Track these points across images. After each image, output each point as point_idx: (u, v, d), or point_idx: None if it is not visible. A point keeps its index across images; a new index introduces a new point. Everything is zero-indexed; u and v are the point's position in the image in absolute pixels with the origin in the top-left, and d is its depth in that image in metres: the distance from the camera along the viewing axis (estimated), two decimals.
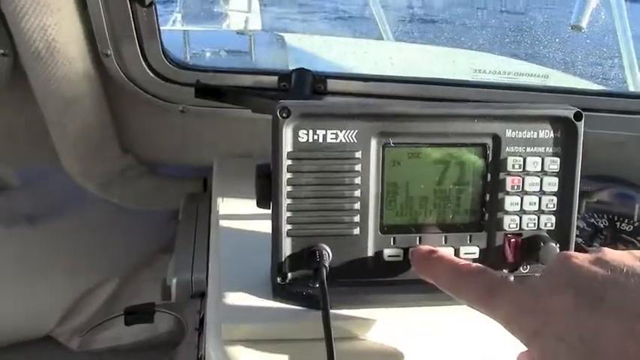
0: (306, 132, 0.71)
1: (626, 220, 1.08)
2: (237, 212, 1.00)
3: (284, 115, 0.69)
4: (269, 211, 0.73)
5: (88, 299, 1.53)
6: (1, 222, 1.53)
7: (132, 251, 1.58)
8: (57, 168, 1.30)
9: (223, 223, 0.98)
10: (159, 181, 1.44)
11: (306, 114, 0.70)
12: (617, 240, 1.05)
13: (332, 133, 0.71)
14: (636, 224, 1.07)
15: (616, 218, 1.08)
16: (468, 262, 0.67)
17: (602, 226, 1.07)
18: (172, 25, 3.60)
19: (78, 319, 1.53)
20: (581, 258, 0.56)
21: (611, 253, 0.56)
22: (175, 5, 3.80)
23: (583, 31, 1.89)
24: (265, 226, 0.74)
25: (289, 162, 0.71)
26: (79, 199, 1.53)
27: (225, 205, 1.04)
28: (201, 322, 0.93)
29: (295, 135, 0.70)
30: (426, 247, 0.73)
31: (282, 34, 2.26)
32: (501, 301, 0.59)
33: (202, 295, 0.97)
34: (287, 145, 0.70)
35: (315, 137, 0.71)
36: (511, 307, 0.58)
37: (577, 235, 1.03)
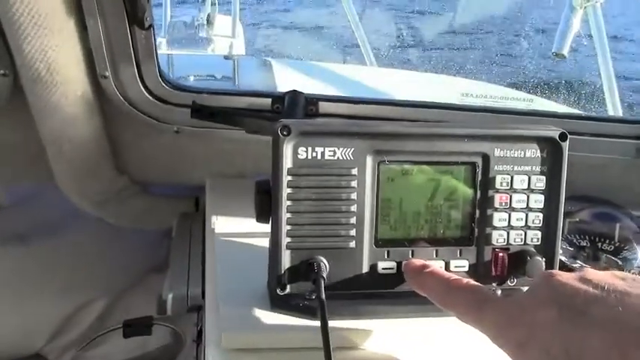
0: (305, 149, 0.74)
1: (607, 241, 1.11)
2: (231, 229, 1.02)
3: (284, 133, 0.72)
4: (262, 228, 0.76)
5: (80, 317, 1.54)
6: None
7: (124, 269, 1.58)
8: (50, 186, 1.31)
9: (218, 239, 1.00)
10: (152, 200, 1.46)
11: (306, 132, 0.74)
12: (598, 259, 1.08)
13: (330, 151, 0.74)
14: (617, 244, 1.10)
15: (597, 239, 1.11)
16: (458, 277, 0.70)
17: (583, 245, 1.10)
18: (158, 49, 3.62)
19: (69, 337, 1.53)
20: (565, 276, 0.59)
21: (593, 273, 0.58)
22: (160, 30, 3.83)
23: (565, 58, 1.94)
24: (259, 242, 0.77)
25: (289, 178, 0.74)
26: (72, 218, 1.53)
27: (220, 223, 1.07)
28: (199, 334, 0.95)
29: (295, 152, 0.74)
30: (418, 262, 0.76)
31: (269, 59, 2.29)
32: (489, 314, 0.62)
33: (199, 309, 0.99)
34: (287, 162, 0.73)
35: (314, 154, 0.74)
36: (498, 320, 0.60)
37: (560, 254, 1.06)
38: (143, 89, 1.16)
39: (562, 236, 1.10)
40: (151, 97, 1.17)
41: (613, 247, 1.10)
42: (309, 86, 1.97)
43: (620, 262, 1.06)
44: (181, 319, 1.01)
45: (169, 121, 1.20)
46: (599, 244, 1.11)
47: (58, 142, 1.19)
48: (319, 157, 0.74)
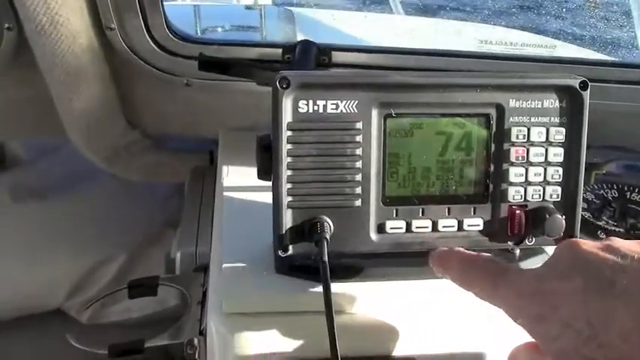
0: (306, 102, 0.70)
1: (636, 190, 1.06)
2: (242, 184, 1.00)
3: (284, 85, 0.69)
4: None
5: (98, 273, 1.55)
6: (10, 197, 1.54)
7: (141, 226, 1.59)
8: (64, 144, 1.30)
9: (227, 195, 0.98)
10: (165, 154, 1.45)
11: (306, 84, 0.70)
12: (627, 212, 1.03)
13: (332, 104, 0.70)
14: None
15: (626, 188, 1.07)
16: (476, 253, 0.67)
17: (611, 197, 1.05)
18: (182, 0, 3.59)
19: (87, 293, 1.55)
20: (589, 245, 0.56)
21: (620, 242, 0.55)
22: None
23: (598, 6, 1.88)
24: (269, 199, 0.74)
25: (289, 133, 0.70)
26: (87, 175, 1.54)
27: (230, 178, 1.04)
28: (204, 295, 0.93)
29: (295, 105, 0.70)
30: (443, 248, 0.72)
31: (290, 8, 2.24)
32: (504, 286, 0.59)
33: (206, 269, 0.97)
34: (287, 116, 0.70)
35: (315, 108, 0.70)
36: (514, 292, 0.57)
37: (585, 209, 1.02)
38: (150, 41, 1.14)
39: (588, 189, 1.06)
40: (158, 49, 1.15)
41: None
42: (332, 36, 1.92)
43: None
44: (188, 278, 0.98)
45: (179, 73, 1.18)
46: (628, 194, 1.06)
47: (67, 95, 1.18)
48: (321, 110, 0.70)
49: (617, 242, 0.55)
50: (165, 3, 1.12)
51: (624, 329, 0.48)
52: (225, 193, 0.98)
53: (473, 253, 0.68)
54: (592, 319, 0.50)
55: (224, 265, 0.79)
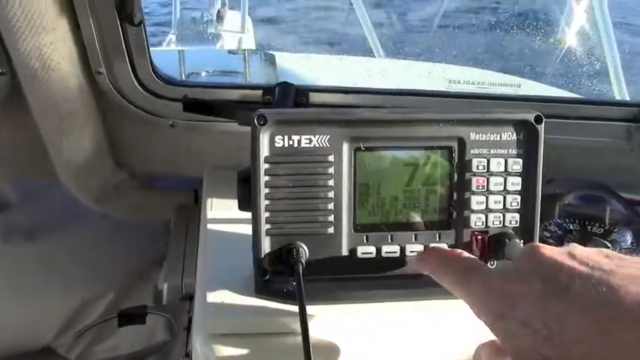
0: (281, 137, 0.76)
1: (597, 224, 1.11)
2: (225, 217, 1.05)
3: (261, 122, 0.74)
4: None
5: (87, 311, 1.56)
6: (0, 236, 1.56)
7: (129, 264, 1.60)
8: (53, 184, 1.33)
9: (211, 227, 1.02)
10: (152, 193, 1.48)
11: (281, 121, 0.75)
12: (588, 241, 1.08)
13: (306, 139, 0.76)
14: (606, 227, 1.10)
15: (586, 222, 1.11)
16: (452, 250, 0.70)
17: (572, 228, 1.10)
18: (167, 45, 3.65)
19: (77, 330, 1.56)
20: (550, 250, 0.58)
21: (581, 249, 0.58)
22: (170, 27, 3.85)
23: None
24: (250, 229, 0.79)
25: (267, 166, 0.76)
26: (76, 215, 1.56)
27: (214, 212, 1.09)
28: (190, 320, 0.97)
29: (272, 141, 0.76)
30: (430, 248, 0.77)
31: (272, 52, 2.30)
32: (473, 283, 0.62)
33: (192, 297, 1.01)
34: (264, 150, 0.75)
35: (291, 142, 0.76)
36: (481, 289, 0.60)
37: (548, 237, 1.07)
38: (137, 84, 1.18)
39: (552, 221, 1.11)
40: (145, 92, 1.19)
41: (603, 230, 1.10)
42: (311, 78, 1.98)
43: (609, 245, 1.06)
44: (175, 307, 1.03)
45: (164, 114, 1.22)
46: (589, 227, 1.11)
47: (58, 138, 1.21)
48: (296, 144, 0.76)
49: (578, 249, 0.57)
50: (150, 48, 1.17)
51: (577, 333, 0.50)
52: (209, 225, 1.03)
53: (450, 249, 0.71)
54: (548, 320, 0.52)
55: (208, 290, 0.83)
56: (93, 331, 1.54)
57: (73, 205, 1.41)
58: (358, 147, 0.78)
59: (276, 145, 0.76)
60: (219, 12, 3.97)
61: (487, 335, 0.59)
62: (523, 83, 1.72)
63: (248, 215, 0.78)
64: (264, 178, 0.76)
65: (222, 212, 1.08)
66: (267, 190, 0.76)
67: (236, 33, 3.83)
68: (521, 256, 0.60)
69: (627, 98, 2.14)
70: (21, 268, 1.54)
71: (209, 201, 1.13)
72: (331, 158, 0.77)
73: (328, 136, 0.76)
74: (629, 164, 1.24)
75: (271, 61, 2.23)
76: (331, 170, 0.77)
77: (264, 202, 0.76)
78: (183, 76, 1.97)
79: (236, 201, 0.80)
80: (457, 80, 1.60)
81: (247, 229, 0.81)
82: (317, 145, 0.76)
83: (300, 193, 0.77)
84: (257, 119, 0.74)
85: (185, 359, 0.90)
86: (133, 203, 1.45)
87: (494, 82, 1.69)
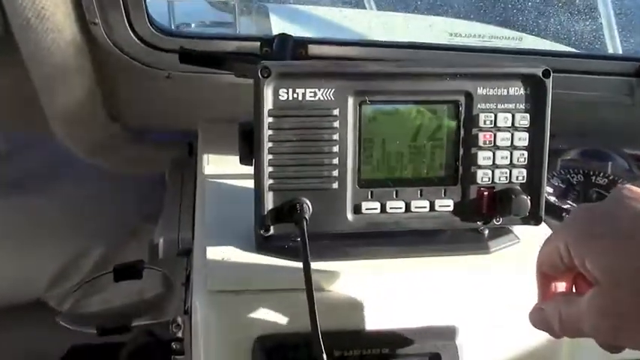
0: (285, 90, 0.74)
1: (600, 174, 1.10)
2: (222, 172, 1.03)
3: (265, 74, 0.72)
4: (252, 171, 0.76)
5: (77, 264, 1.55)
6: None
7: (120, 218, 1.59)
8: (45, 136, 1.31)
9: (209, 182, 1.01)
10: (146, 146, 1.47)
11: (286, 73, 0.74)
12: (590, 195, 1.07)
13: (310, 92, 0.74)
14: (610, 177, 1.09)
15: (591, 173, 1.11)
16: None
17: (575, 182, 1.10)
18: None
19: (67, 284, 1.55)
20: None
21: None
22: None
23: None
24: (249, 185, 0.77)
25: (270, 119, 0.74)
26: (68, 167, 1.54)
27: (211, 167, 1.07)
28: (188, 277, 0.96)
29: (275, 93, 0.74)
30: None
31: (265, 4, 2.26)
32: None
33: (189, 253, 1.00)
34: (268, 104, 0.74)
35: (295, 95, 0.74)
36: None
37: (550, 193, 1.06)
38: (133, 35, 1.15)
39: (554, 174, 1.10)
40: (140, 43, 1.17)
41: (606, 181, 1.09)
42: (304, 31, 1.95)
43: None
44: (172, 263, 1.01)
45: (160, 66, 1.20)
46: (592, 178, 1.10)
47: (50, 89, 1.20)
48: (300, 98, 0.74)
49: None
50: None
51: None
52: (207, 180, 1.01)
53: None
54: None
55: (208, 246, 0.82)
56: (84, 285, 1.53)
57: (64, 158, 1.41)
58: (363, 100, 0.76)
59: (280, 98, 0.74)
60: None
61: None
62: (524, 37, 1.70)
63: (246, 170, 0.77)
64: (267, 132, 0.74)
65: (218, 166, 1.06)
66: (270, 145, 0.74)
67: None
68: None
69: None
70: (11, 220, 1.52)
71: (205, 155, 1.12)
72: (336, 112, 0.75)
73: (333, 90, 0.75)
74: (631, 119, 1.22)
75: (264, 12, 2.19)
76: (336, 124, 0.76)
77: (267, 157, 0.75)
78: (172, 26, 1.94)
79: (233, 154, 0.78)
80: (458, 33, 1.59)
81: (245, 184, 0.80)
82: (322, 99, 0.75)
83: (304, 148, 0.76)
84: (261, 71, 0.72)
85: (184, 316, 0.88)
86: (126, 156, 1.44)
87: (495, 36, 1.67)
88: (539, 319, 0.63)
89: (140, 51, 1.18)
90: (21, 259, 1.51)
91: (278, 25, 2.03)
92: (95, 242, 1.57)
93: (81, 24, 1.14)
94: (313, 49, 1.17)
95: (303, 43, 1.16)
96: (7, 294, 1.51)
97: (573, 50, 1.71)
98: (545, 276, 0.63)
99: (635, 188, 0.58)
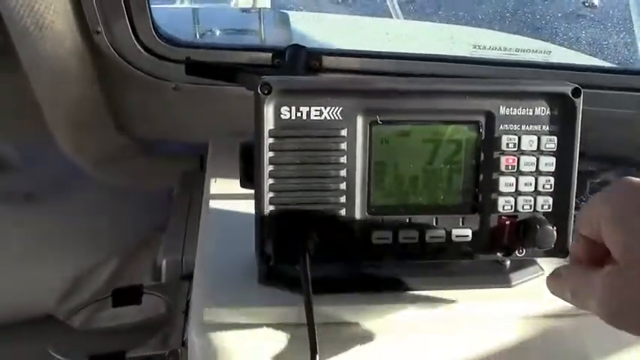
0: (288, 109, 0.68)
1: None
2: (229, 192, 0.98)
3: (265, 91, 0.67)
4: None
5: (89, 278, 1.52)
6: (1, 201, 1.52)
7: (132, 231, 1.57)
8: (55, 148, 1.29)
9: (214, 203, 0.97)
10: (156, 159, 1.44)
11: (289, 90, 0.68)
12: None
13: (316, 110, 0.69)
14: None
15: None
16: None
17: None
18: (180, 3, 3.57)
19: (78, 299, 1.52)
20: None
21: None
22: None
23: (596, 8, 1.86)
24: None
25: (271, 140, 0.68)
26: (79, 179, 1.53)
27: (217, 186, 1.03)
28: (188, 304, 0.91)
29: (277, 112, 0.68)
30: None
31: (286, 11, 2.23)
32: None
33: (192, 277, 0.95)
34: (269, 123, 0.68)
35: (299, 114, 0.69)
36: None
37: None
38: (137, 44, 1.13)
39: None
40: (145, 53, 1.14)
41: None
42: (327, 40, 1.92)
43: None
44: (173, 287, 0.97)
45: (167, 77, 1.17)
46: None
47: (52, 99, 1.17)
48: (304, 117, 0.69)
49: None
50: (162, 6, 1.10)
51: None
52: (211, 202, 0.97)
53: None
54: None
55: (208, 275, 0.78)
56: (91, 300, 1.51)
57: (76, 171, 1.38)
58: (374, 120, 0.70)
59: (282, 117, 0.68)
60: None
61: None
62: (553, 49, 1.64)
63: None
64: (268, 154, 0.69)
65: (226, 186, 1.02)
66: (271, 168, 0.69)
67: None
68: None
69: None
70: (22, 233, 1.51)
71: (214, 173, 1.08)
72: (344, 132, 0.70)
73: (341, 108, 0.69)
74: None
75: (284, 20, 2.16)
76: (344, 146, 0.70)
77: (268, 181, 0.69)
78: (197, 35, 1.92)
79: None
80: (482, 45, 1.53)
81: (252, 206, 0.75)
82: (328, 118, 0.69)
83: (309, 172, 0.70)
84: (261, 87, 0.67)
85: (182, 348, 0.84)
86: (134, 170, 1.41)
87: (521, 49, 1.61)
88: (554, 284, 0.62)
89: (145, 61, 1.15)
90: (31, 273, 1.49)
91: (298, 34, 2.00)
92: (107, 256, 1.54)
93: (83, 33, 1.11)
94: (328, 61, 1.12)
95: (317, 54, 1.11)
96: (16, 308, 1.51)
97: (606, 64, 1.64)
98: (584, 238, 0.60)
99: None
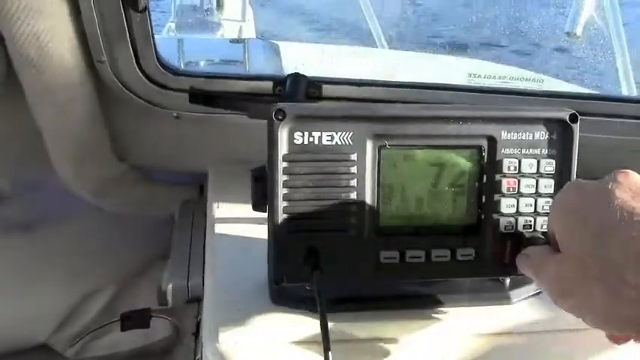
0: (301, 134, 0.71)
1: None
2: (233, 217, 1.00)
3: (279, 117, 0.70)
4: (265, 216, 0.73)
5: (85, 307, 1.53)
6: None
7: (128, 258, 1.57)
8: (52, 176, 1.29)
9: (219, 227, 0.98)
10: (154, 187, 1.44)
11: (302, 116, 0.71)
12: None
13: (327, 135, 0.71)
14: None
15: None
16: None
17: None
18: (166, 33, 3.60)
19: (74, 327, 1.52)
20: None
21: None
22: (169, 14, 3.80)
23: (579, 39, 1.90)
24: (261, 231, 0.75)
25: (285, 164, 0.71)
26: (75, 207, 1.52)
27: (221, 211, 1.05)
28: (198, 326, 0.93)
29: (291, 137, 0.71)
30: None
31: (276, 42, 2.27)
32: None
33: (199, 300, 0.97)
34: (282, 148, 0.71)
35: (311, 139, 0.71)
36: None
37: None
38: (141, 74, 1.13)
39: None
40: (148, 82, 1.14)
41: None
42: (317, 69, 1.94)
43: None
44: (181, 310, 0.98)
45: (169, 106, 1.17)
46: None
47: (53, 127, 1.17)
48: (316, 142, 0.71)
49: None
50: None
51: None
52: (217, 226, 0.99)
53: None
54: None
55: (219, 296, 0.80)
56: (91, 329, 1.51)
57: (70, 199, 1.37)
58: (382, 145, 0.73)
59: (296, 141, 0.71)
60: (218, 0, 3.92)
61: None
62: (545, 79, 1.68)
63: (257, 215, 0.74)
64: (282, 178, 0.71)
65: (229, 211, 1.04)
66: (285, 191, 0.71)
67: (236, 22, 3.78)
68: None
69: (634, 94, 2.11)
70: (18, 262, 1.50)
71: (215, 198, 1.09)
72: (354, 157, 0.72)
73: (351, 133, 0.72)
74: None
75: (276, 50, 2.19)
76: (354, 169, 0.73)
77: (281, 204, 0.71)
78: (181, 64, 1.93)
79: (243, 197, 0.76)
80: (478, 74, 1.56)
81: (257, 230, 0.77)
82: (339, 143, 0.72)
83: (321, 194, 0.72)
84: (275, 114, 0.69)
85: None
86: (133, 198, 1.41)
87: (515, 77, 1.65)
88: (523, 262, 0.70)
89: (148, 90, 1.15)
90: (26, 301, 1.49)
91: (289, 64, 2.03)
92: (102, 284, 1.54)
93: (86, 62, 1.12)
94: (328, 90, 1.14)
95: (317, 83, 1.13)
96: (11, 337, 1.49)
97: (595, 92, 1.68)
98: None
99: (631, 175, 0.60)
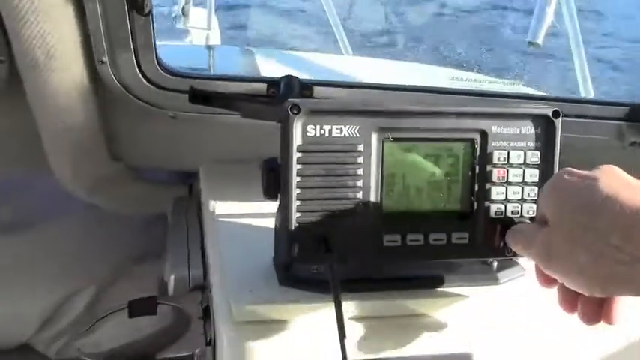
0: (313, 127, 0.77)
1: None
2: (231, 211, 1.06)
3: (294, 111, 0.76)
4: (260, 210, 0.80)
5: (67, 306, 1.55)
6: None
7: (110, 258, 1.58)
8: (38, 176, 1.31)
9: (219, 221, 1.04)
10: (146, 186, 1.47)
11: (315, 110, 0.77)
12: None
13: (337, 128, 0.78)
14: None
15: None
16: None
17: None
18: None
19: (57, 327, 1.55)
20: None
21: None
22: None
23: (539, 47, 1.98)
24: (259, 223, 0.80)
25: (299, 155, 0.77)
26: (61, 206, 1.52)
27: (217, 206, 1.10)
28: (204, 311, 0.97)
29: (304, 130, 0.77)
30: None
31: (251, 48, 2.31)
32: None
33: (202, 288, 1.01)
34: (297, 139, 0.77)
35: (322, 132, 0.78)
36: None
37: None
38: (140, 75, 1.16)
39: None
40: (147, 83, 1.17)
41: None
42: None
43: None
44: (184, 298, 1.02)
45: (165, 106, 1.20)
46: None
47: (53, 127, 1.20)
48: (327, 134, 0.78)
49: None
50: None
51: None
52: (217, 220, 1.04)
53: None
54: None
55: (227, 279, 0.85)
56: (72, 328, 1.53)
57: (58, 197, 1.40)
58: (386, 137, 0.80)
59: (308, 134, 0.77)
60: (183, 8, 3.93)
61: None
62: (516, 83, 1.76)
63: (255, 208, 0.84)
64: (296, 167, 0.77)
65: (226, 205, 1.09)
66: (298, 179, 0.77)
67: (202, 29, 3.80)
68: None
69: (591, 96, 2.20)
70: (3, 262, 1.50)
71: (210, 194, 1.14)
72: (360, 148, 0.79)
73: (358, 127, 0.78)
74: (622, 162, 1.26)
75: (250, 57, 2.23)
76: (360, 160, 0.79)
77: (295, 191, 0.77)
78: None
79: (237, 194, 0.89)
80: (459, 77, 1.63)
81: (256, 221, 0.82)
82: (347, 135, 0.78)
83: (331, 182, 0.79)
84: (290, 108, 0.76)
85: (207, 347, 0.90)
86: (126, 196, 1.44)
87: (492, 81, 1.72)
88: (513, 236, 0.78)
89: (147, 91, 1.18)
90: (10, 301, 1.50)
91: (265, 68, 2.07)
92: (84, 284, 1.55)
93: (88, 63, 1.14)
94: (319, 91, 1.19)
95: (309, 85, 1.18)
96: None
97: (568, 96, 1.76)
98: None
99: (616, 169, 0.69)
